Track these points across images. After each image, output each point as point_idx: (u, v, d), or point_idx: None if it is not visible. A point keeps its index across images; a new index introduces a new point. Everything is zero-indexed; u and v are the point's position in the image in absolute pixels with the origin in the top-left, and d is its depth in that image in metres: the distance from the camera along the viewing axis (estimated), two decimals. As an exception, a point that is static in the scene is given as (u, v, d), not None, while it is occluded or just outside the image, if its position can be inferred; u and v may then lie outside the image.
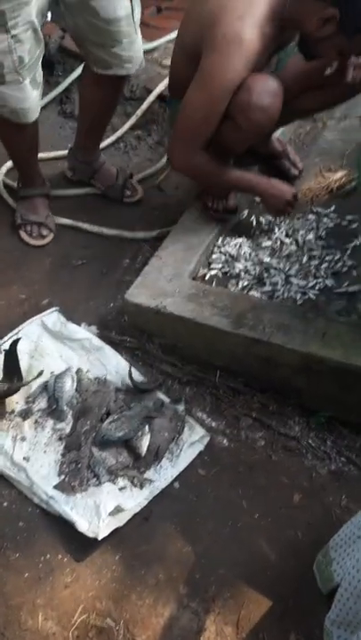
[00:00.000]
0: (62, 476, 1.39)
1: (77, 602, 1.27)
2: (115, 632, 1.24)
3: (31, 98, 1.57)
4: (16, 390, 1.47)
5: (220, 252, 1.78)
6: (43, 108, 1.79)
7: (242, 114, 1.40)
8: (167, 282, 1.60)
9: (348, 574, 1.05)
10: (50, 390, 1.52)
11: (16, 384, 1.46)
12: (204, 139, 1.48)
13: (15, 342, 1.53)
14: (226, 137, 1.49)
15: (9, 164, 2.10)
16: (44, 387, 1.54)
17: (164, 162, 2.16)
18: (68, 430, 1.47)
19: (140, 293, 1.58)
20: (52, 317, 1.68)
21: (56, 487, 1.37)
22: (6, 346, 1.53)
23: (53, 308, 1.71)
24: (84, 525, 1.28)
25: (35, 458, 1.43)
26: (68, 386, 1.51)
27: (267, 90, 1.39)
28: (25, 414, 1.50)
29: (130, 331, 1.64)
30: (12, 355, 1.49)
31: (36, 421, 1.51)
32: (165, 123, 2.29)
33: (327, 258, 1.69)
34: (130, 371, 1.54)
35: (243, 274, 1.69)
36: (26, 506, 1.38)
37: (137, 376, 1.55)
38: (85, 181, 2.10)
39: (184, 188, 2.09)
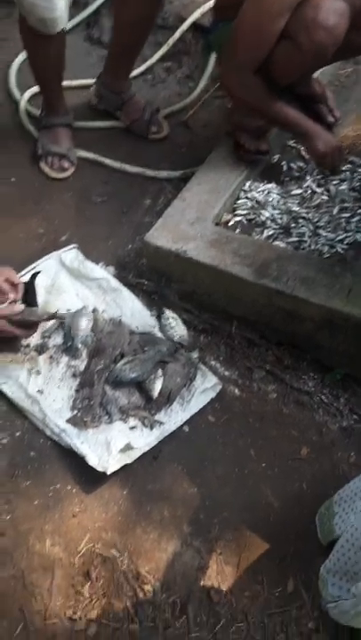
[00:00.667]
0: (75, 411, 1.42)
1: (84, 531, 1.30)
2: (119, 562, 1.29)
3: (58, 7, 1.53)
4: (50, 318, 1.47)
5: (247, 198, 1.73)
6: (68, 34, 1.69)
7: (305, 32, 1.32)
8: (189, 225, 1.57)
9: (350, 527, 1.08)
10: (65, 327, 1.54)
11: (46, 314, 1.46)
12: (259, 58, 1.42)
13: (35, 275, 1.52)
14: (280, 61, 1.41)
15: (33, 89, 2.04)
16: (60, 323, 1.55)
17: (194, 97, 2.09)
18: (82, 368, 1.50)
19: (161, 236, 1.55)
20: (71, 254, 1.67)
21: (68, 421, 1.40)
22: (26, 278, 1.53)
23: (72, 245, 1.69)
24: (94, 459, 1.31)
25: (48, 391, 1.45)
26: (84, 324, 1.52)
27: (334, 9, 1.30)
28: (40, 349, 1.52)
29: (148, 274, 1.63)
30: (31, 287, 1.48)
31: (51, 357, 1.52)
32: (199, 54, 2.19)
33: (360, 211, 1.64)
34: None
35: (269, 222, 1.65)
36: (38, 437, 1.41)
37: (182, 331, 1.55)
38: (111, 112, 2.03)
39: (213, 127, 2.02)
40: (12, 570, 1.27)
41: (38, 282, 1.52)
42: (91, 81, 2.06)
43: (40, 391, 1.44)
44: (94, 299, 1.60)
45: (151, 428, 1.41)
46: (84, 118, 2.04)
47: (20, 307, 1.39)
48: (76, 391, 1.45)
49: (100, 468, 1.30)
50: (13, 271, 1.45)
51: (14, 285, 1.41)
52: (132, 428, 1.41)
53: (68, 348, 1.51)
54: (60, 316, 1.49)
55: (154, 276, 1.62)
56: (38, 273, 1.53)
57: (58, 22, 1.53)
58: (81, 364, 1.49)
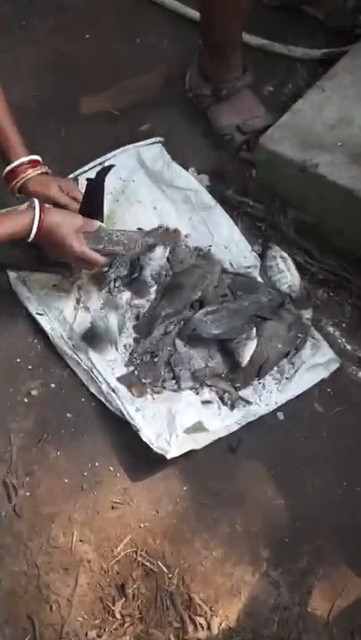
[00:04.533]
0: (131, 368, 1.31)
1: (125, 530, 1.20)
2: (166, 580, 1.16)
3: None
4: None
5: None
6: None
7: None
8: (327, 129, 1.40)
9: None
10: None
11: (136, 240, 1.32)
12: None
13: (105, 171, 1.33)
14: None
15: None
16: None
17: None
18: (147, 310, 1.37)
19: (283, 139, 1.40)
20: (153, 151, 1.52)
21: (120, 380, 1.29)
22: (91, 174, 1.37)
23: (156, 138, 1.56)
24: (150, 435, 1.21)
25: (100, 336, 1.33)
26: (159, 252, 1.39)
27: None
28: (96, 278, 1.39)
29: (256, 192, 1.49)
30: (97, 188, 1.30)
31: (109, 290, 1.38)
32: None
33: None
34: None
35: None
36: (79, 394, 1.30)
37: (293, 278, 1.40)
38: None
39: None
40: (25, 564, 1.17)
41: (107, 184, 1.33)
42: None
43: None
44: (177, 216, 1.46)
45: (232, 407, 1.28)
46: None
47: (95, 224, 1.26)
48: (136, 341, 1.33)
49: (157, 449, 1.19)
50: (71, 181, 1.35)
51: (74, 198, 1.29)
52: (207, 402, 1.28)
53: (133, 281, 1.38)
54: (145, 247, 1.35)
55: (264, 196, 1.46)
56: (110, 168, 1.34)
57: None
58: (147, 304, 1.38)
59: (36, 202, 1.19)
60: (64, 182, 1.30)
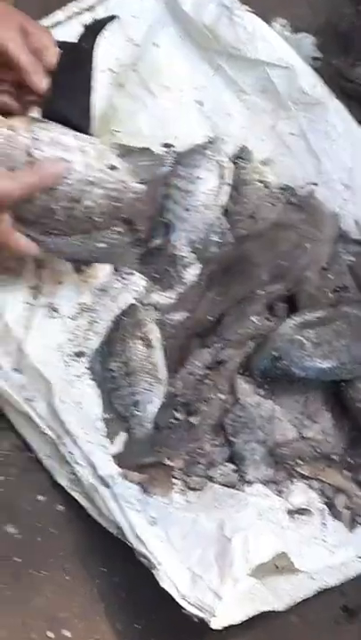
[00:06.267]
0: (142, 435, 0.92)
1: None
2: None
3: None
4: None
5: None
6: None
7: None
8: None
9: None
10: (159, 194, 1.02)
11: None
12: None
13: (98, 25, 0.89)
14: None
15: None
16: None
17: None
18: (176, 318, 0.97)
19: None
20: None
21: (121, 461, 0.90)
22: (72, 30, 0.94)
23: None
24: (179, 578, 0.83)
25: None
26: (204, 194, 0.97)
27: None
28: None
29: None
30: (81, 59, 0.85)
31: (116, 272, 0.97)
32: None
33: None
34: None
35: None
36: (32, 484, 0.90)
37: None
38: None
39: None
40: None
41: (99, 52, 0.87)
42: None
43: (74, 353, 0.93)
44: (246, 121, 1.04)
45: (353, 523, 0.90)
46: None
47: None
48: (152, 377, 0.93)
49: (191, 609, 0.81)
50: (43, 28, 0.87)
51: (37, 52, 0.79)
52: (299, 513, 0.90)
53: (152, 255, 0.95)
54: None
55: None
56: (106, 22, 0.90)
57: None
58: (178, 305, 0.98)
59: None
60: (31, 25, 0.82)
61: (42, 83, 0.77)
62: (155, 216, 0.88)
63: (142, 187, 0.83)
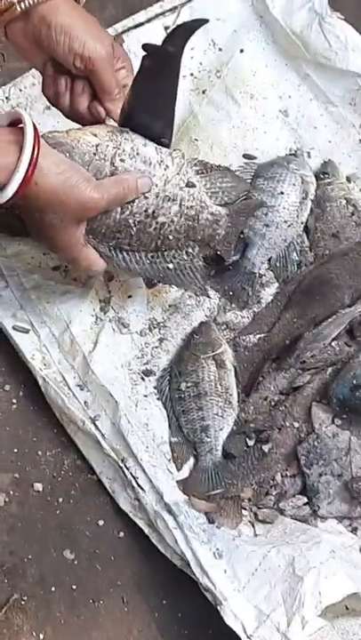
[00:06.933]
0: (209, 462, 0.85)
1: None
2: None
3: None
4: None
5: None
6: None
7: None
8: None
9: None
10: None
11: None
12: None
13: (188, 30, 0.78)
14: None
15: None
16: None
17: None
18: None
19: None
20: None
21: (186, 487, 0.85)
22: (153, 33, 0.91)
23: None
24: (246, 615, 0.79)
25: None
26: (286, 210, 0.91)
27: None
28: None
29: None
30: (167, 66, 0.77)
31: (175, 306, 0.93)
32: None
33: None
34: None
35: None
36: (90, 508, 0.84)
37: None
38: None
39: None
40: None
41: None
42: None
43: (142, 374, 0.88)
44: (333, 134, 0.99)
45: None
46: None
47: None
48: (222, 400, 0.88)
49: None
50: (117, 43, 0.80)
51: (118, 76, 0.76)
52: None
53: (226, 273, 0.91)
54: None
55: None
56: (197, 25, 0.79)
57: None
58: (252, 325, 0.93)
59: (25, 117, 0.66)
60: (117, 47, 0.80)
61: (117, 112, 0.73)
62: (235, 242, 0.82)
63: (221, 210, 0.78)
